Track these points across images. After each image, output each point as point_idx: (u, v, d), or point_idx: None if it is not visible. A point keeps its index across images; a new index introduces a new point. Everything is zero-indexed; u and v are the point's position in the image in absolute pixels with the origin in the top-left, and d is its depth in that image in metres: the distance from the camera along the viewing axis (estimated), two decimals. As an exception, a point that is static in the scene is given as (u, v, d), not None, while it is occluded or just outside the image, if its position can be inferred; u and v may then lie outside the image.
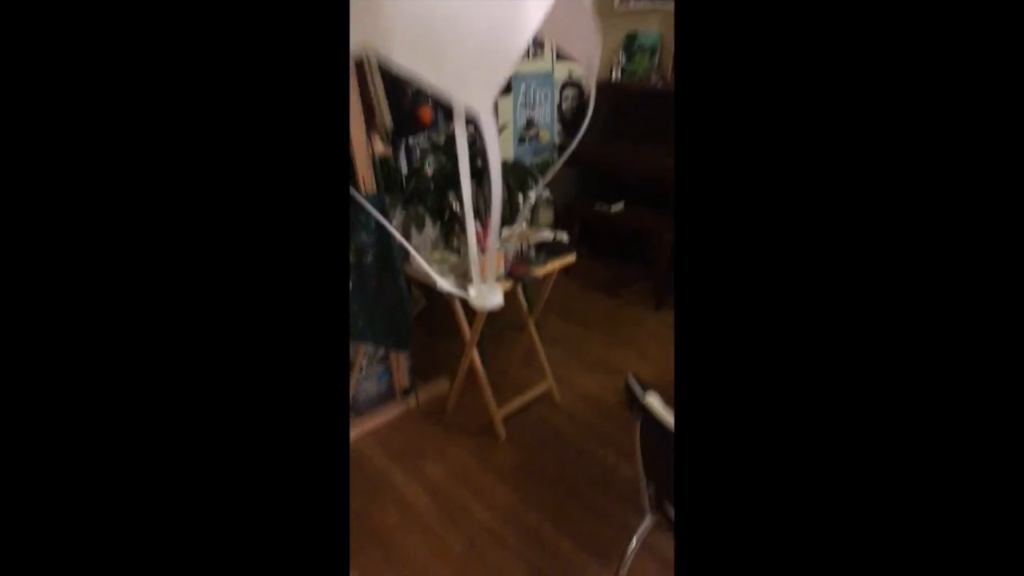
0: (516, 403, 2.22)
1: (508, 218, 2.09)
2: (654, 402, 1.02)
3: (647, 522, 1.27)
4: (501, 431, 2.10)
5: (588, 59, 0.88)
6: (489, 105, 0.69)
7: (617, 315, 2.94)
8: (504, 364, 2.49)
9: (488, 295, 1.00)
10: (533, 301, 2.28)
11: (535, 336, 2.25)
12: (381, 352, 2.32)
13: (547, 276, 2.07)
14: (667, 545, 1.58)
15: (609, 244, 3.46)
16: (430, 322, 2.75)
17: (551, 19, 0.66)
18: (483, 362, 2.08)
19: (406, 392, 2.33)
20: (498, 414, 2.11)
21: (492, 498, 1.83)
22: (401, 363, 2.32)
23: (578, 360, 2.55)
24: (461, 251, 2.00)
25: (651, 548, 1.56)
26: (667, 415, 0.99)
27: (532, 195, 2.19)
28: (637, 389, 1.05)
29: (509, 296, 2.14)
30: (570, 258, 2.04)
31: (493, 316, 2.40)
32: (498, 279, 1.86)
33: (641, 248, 3.13)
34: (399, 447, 2.10)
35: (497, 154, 0.74)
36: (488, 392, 2.08)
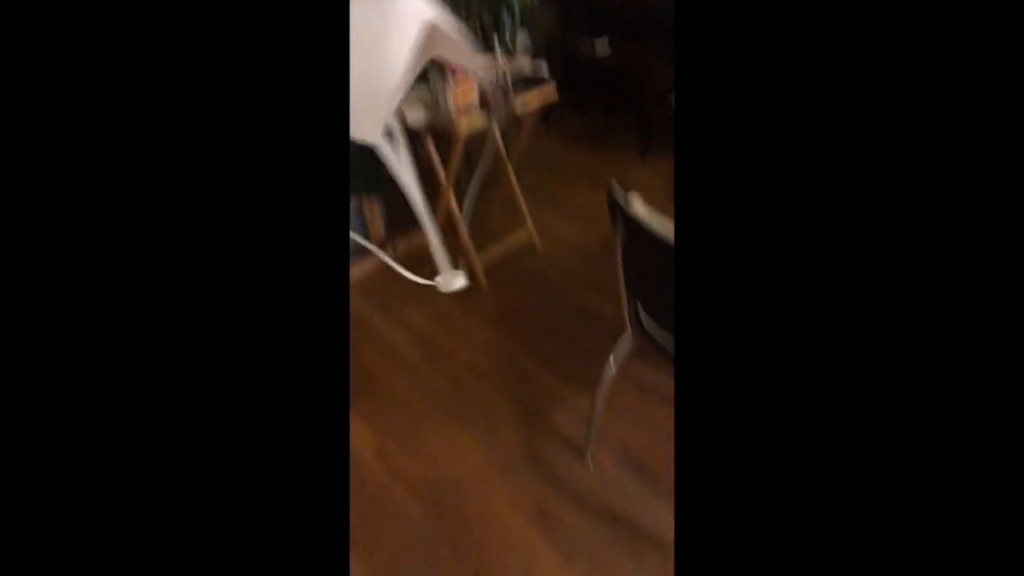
0: (496, 252, 2.17)
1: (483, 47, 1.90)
2: (638, 206, 0.96)
3: (626, 342, 1.27)
4: (481, 278, 2.07)
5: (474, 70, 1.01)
6: (379, 137, 0.80)
7: (601, 165, 2.83)
8: (483, 215, 2.41)
9: (452, 279, 1.02)
10: (511, 145, 2.16)
11: (514, 181, 2.16)
12: (353, 203, 2.21)
13: (526, 116, 1.92)
14: (645, 372, 1.62)
15: (593, 90, 3.25)
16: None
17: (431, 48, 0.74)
18: (460, 208, 2.00)
19: (382, 243, 2.27)
20: (478, 261, 2.07)
21: (474, 340, 1.84)
22: (375, 213, 2.23)
23: (560, 210, 2.48)
24: (432, 83, 1.83)
25: (630, 374, 1.60)
26: (651, 219, 0.93)
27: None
28: (620, 195, 0.99)
29: (483, 138, 2.01)
30: (550, 91, 1.89)
31: (469, 160, 2.29)
32: (470, 111, 1.72)
33: (625, 94, 2.94)
34: (380, 297, 2.08)
35: (410, 179, 0.87)
36: (466, 235, 2.02)
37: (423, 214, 0.95)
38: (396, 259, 2.25)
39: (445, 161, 1.88)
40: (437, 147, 1.84)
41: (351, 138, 0.86)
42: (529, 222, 2.22)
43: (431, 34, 0.74)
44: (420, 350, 1.82)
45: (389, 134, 0.94)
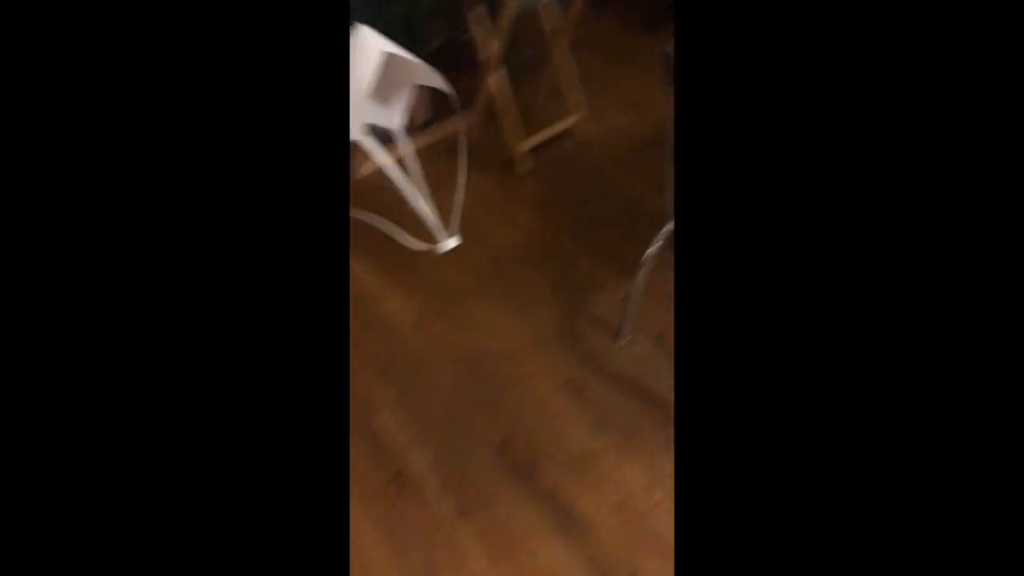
0: (541, 135, 2.09)
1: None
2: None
3: (669, 227, 1.22)
4: (526, 160, 2.01)
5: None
6: (358, 135, 1.09)
7: (658, 51, 2.63)
8: (528, 99, 2.31)
9: (445, 241, 1.27)
10: (562, 24, 2.01)
11: (564, 62, 2.03)
12: (396, 80, 2.14)
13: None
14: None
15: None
16: (448, 59, 2.50)
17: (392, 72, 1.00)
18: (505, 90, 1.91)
19: (425, 125, 2.21)
20: (522, 144, 2.00)
21: (515, 222, 1.82)
22: (420, 92, 2.16)
23: (611, 96, 2.34)
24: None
25: (672, 263, 1.56)
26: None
27: None
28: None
29: (533, 19, 1.87)
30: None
31: (516, 45, 2.15)
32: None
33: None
34: (419, 177, 2.05)
35: (395, 172, 1.10)
36: (512, 115, 1.94)
37: (411, 192, 1.18)
38: (431, 146, 2.20)
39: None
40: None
41: None
42: (578, 107, 2.11)
43: (390, 62, 0.98)
44: (461, 231, 1.82)
45: (376, 133, 1.12)
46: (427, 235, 1.58)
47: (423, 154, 2.16)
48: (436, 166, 2.09)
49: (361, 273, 1.68)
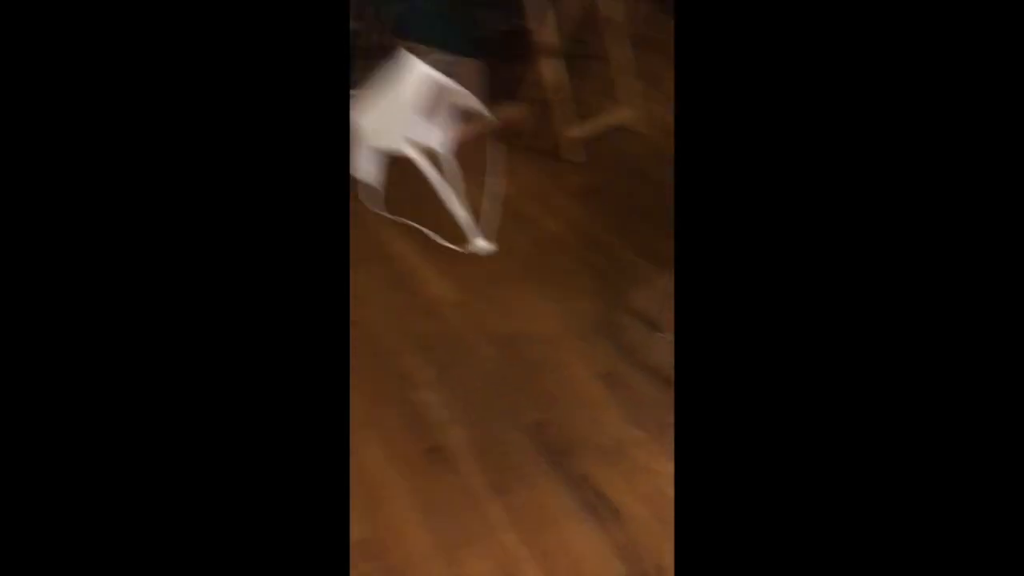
0: (592, 127, 2.09)
1: None
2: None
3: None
4: (576, 151, 2.01)
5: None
6: (406, 148, 1.24)
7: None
8: (582, 91, 2.31)
9: (479, 244, 1.33)
10: (617, 15, 2.00)
11: (621, 53, 2.02)
12: (448, 61, 2.16)
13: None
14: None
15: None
16: (504, 47, 2.51)
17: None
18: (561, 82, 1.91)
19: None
20: (573, 134, 2.01)
21: (559, 212, 1.83)
22: (474, 80, 2.18)
23: (666, 95, 2.33)
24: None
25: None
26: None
27: None
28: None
29: (594, 11, 1.87)
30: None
31: (574, 36, 2.15)
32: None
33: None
34: (468, 161, 2.07)
35: (447, 192, 1.22)
36: (565, 105, 1.95)
37: (448, 195, 1.28)
38: (485, 131, 2.21)
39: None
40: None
41: (382, 147, 1.25)
42: (631, 102, 2.11)
43: (432, 84, 1.09)
44: (505, 217, 1.83)
45: (429, 155, 1.24)
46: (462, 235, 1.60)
47: (473, 142, 2.19)
48: (484, 155, 2.12)
49: (406, 252, 1.71)
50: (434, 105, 1.11)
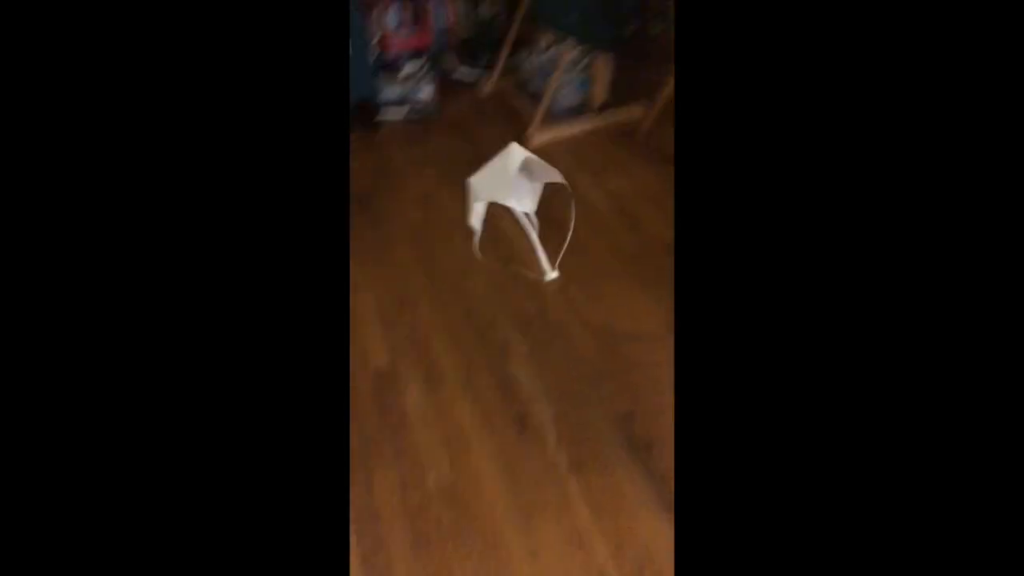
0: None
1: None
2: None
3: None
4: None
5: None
6: (511, 202, 1.56)
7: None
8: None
9: (549, 274, 1.56)
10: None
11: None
12: (584, 61, 2.21)
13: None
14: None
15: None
16: (636, 49, 2.53)
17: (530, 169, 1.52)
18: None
19: (601, 108, 2.27)
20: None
21: (670, 216, 1.84)
22: (603, 75, 2.22)
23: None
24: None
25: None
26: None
27: None
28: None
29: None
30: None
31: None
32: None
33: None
34: (586, 157, 2.12)
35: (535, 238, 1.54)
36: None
37: (534, 240, 1.59)
38: (607, 127, 2.25)
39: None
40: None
41: (496, 200, 1.55)
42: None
43: (528, 162, 1.49)
44: (617, 214, 1.87)
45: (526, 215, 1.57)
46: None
47: (593, 136, 2.24)
48: (602, 151, 2.16)
49: (516, 235, 1.79)
50: (528, 178, 1.52)
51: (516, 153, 1.49)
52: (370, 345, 1.50)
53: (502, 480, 1.21)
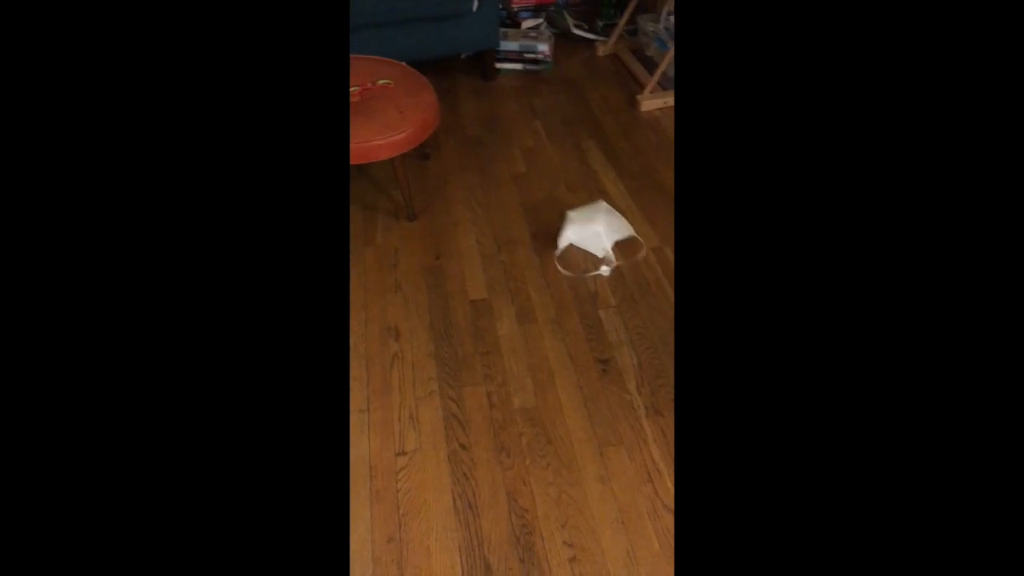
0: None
1: None
2: None
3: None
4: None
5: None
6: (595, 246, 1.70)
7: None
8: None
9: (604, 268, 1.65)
10: None
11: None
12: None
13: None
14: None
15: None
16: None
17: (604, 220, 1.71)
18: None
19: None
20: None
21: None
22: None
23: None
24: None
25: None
26: None
27: None
28: None
29: None
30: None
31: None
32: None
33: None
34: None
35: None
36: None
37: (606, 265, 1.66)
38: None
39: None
40: None
41: (578, 244, 1.70)
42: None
43: (609, 213, 1.71)
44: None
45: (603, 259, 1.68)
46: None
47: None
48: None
49: (618, 197, 1.84)
50: (606, 223, 1.72)
51: (602, 206, 1.71)
52: (469, 278, 1.62)
53: (581, 412, 1.31)
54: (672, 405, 1.31)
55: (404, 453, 1.24)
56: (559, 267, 1.64)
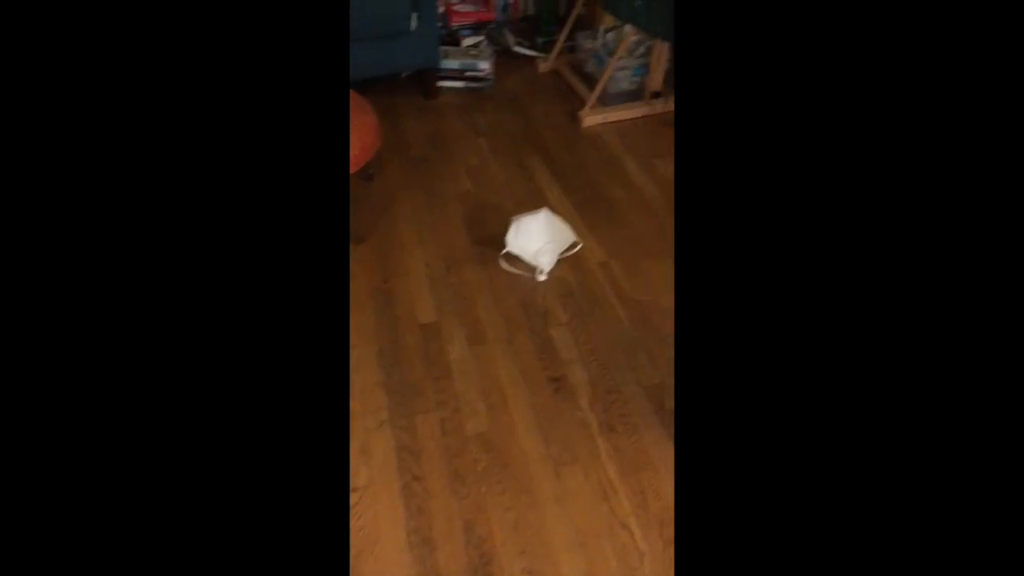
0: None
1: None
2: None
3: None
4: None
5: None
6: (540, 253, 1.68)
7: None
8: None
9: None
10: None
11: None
12: (643, 48, 2.25)
13: None
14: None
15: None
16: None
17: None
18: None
19: (654, 95, 2.31)
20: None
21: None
22: (661, 64, 2.25)
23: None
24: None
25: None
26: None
27: None
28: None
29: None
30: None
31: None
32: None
33: None
34: (636, 142, 2.17)
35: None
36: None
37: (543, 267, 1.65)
38: (659, 115, 2.29)
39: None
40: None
41: (519, 255, 1.69)
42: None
43: (548, 221, 1.71)
44: (661, 197, 1.92)
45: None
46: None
47: (645, 122, 2.27)
48: (653, 138, 2.20)
49: (564, 212, 1.86)
50: (549, 230, 1.72)
51: (544, 213, 1.71)
52: (418, 301, 1.59)
53: (535, 433, 1.30)
54: (624, 420, 1.31)
55: (355, 489, 1.20)
56: (503, 264, 1.64)
